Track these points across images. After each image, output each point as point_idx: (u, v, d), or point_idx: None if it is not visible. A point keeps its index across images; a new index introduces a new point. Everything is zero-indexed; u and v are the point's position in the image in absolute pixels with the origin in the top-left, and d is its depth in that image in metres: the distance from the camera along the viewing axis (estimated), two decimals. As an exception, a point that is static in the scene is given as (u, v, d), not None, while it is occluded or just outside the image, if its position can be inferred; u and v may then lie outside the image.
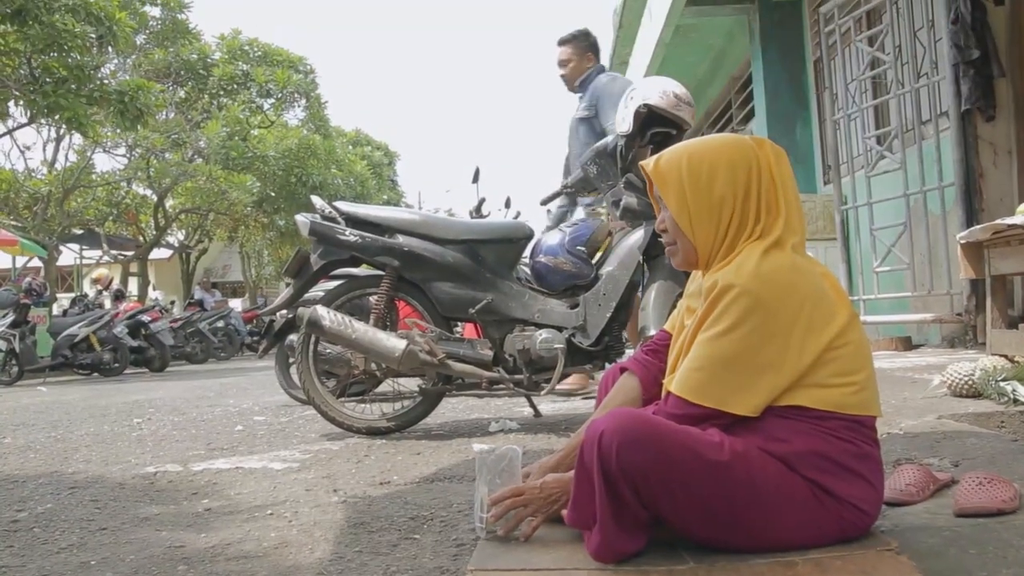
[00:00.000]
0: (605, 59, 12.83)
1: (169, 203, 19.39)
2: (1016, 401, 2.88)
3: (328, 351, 3.30)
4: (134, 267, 20.33)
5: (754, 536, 1.34)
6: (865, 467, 1.38)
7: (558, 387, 3.18)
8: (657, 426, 1.33)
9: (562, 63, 4.53)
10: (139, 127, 11.90)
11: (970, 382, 3.16)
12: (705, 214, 1.45)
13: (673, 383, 1.41)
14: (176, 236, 21.13)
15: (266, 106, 18.33)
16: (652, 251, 3.10)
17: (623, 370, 1.69)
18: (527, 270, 3.40)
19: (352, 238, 3.15)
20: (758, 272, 1.35)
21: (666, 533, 1.40)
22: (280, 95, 18.05)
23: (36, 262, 17.72)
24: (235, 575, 1.48)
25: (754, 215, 1.44)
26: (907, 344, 6.00)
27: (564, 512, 1.48)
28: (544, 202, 3.79)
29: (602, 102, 4.27)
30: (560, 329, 3.12)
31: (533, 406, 3.50)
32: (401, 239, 3.17)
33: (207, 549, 1.67)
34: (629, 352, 3.45)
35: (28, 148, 27.62)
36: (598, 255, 3.29)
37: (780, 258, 1.39)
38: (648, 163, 1.52)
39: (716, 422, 1.37)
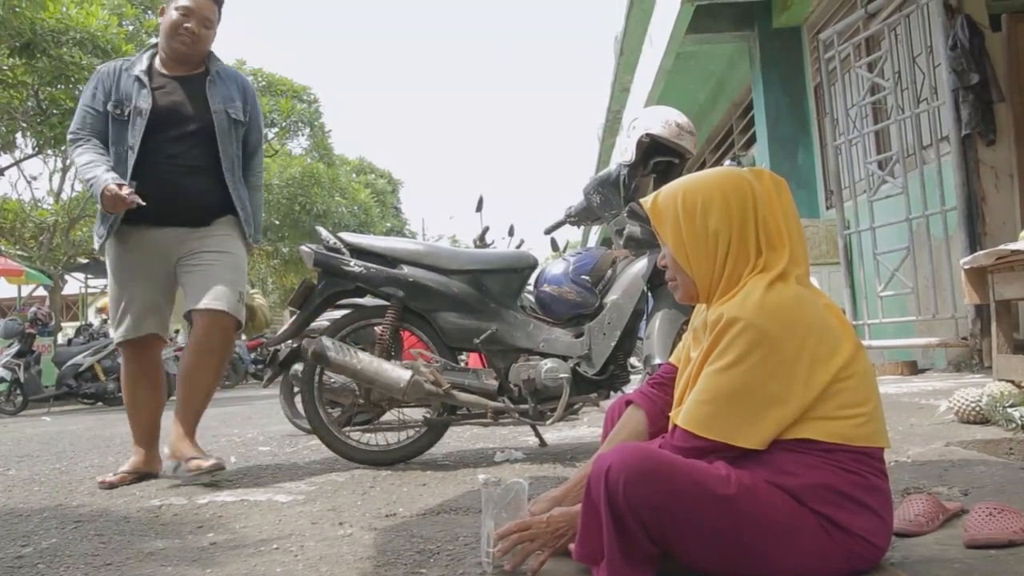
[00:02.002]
0: (606, 86, 12.93)
1: (173, 232, 19.41)
2: (1024, 427, 2.87)
3: (333, 381, 3.30)
4: (138, 296, 20.34)
5: (762, 570, 1.33)
6: (874, 499, 1.37)
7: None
8: (664, 460, 1.32)
9: (206, 23, 3.07)
10: (144, 157, 11.95)
11: (977, 408, 3.15)
12: (701, 248, 1.46)
13: (680, 416, 1.41)
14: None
15: (270, 135, 18.48)
16: (656, 280, 3.11)
17: (629, 403, 1.69)
18: (531, 299, 3.41)
19: (357, 269, 3.16)
20: (763, 305, 1.36)
21: (674, 567, 1.39)
22: (284, 124, 18.21)
23: (41, 291, 17.80)
24: (241, 612, 1.47)
25: (755, 248, 1.44)
26: (913, 368, 5.98)
27: (571, 546, 1.47)
28: (548, 231, 3.80)
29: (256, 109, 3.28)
30: (565, 358, 3.12)
31: (539, 436, 3.49)
32: (406, 269, 3.18)
33: (213, 585, 1.66)
34: (635, 380, 3.45)
35: (35, 178, 27.64)
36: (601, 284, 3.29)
37: (785, 291, 1.39)
38: (646, 201, 1.55)
39: (723, 455, 1.36)
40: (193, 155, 3.04)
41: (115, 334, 3.14)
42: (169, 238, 3.05)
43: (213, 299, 2.99)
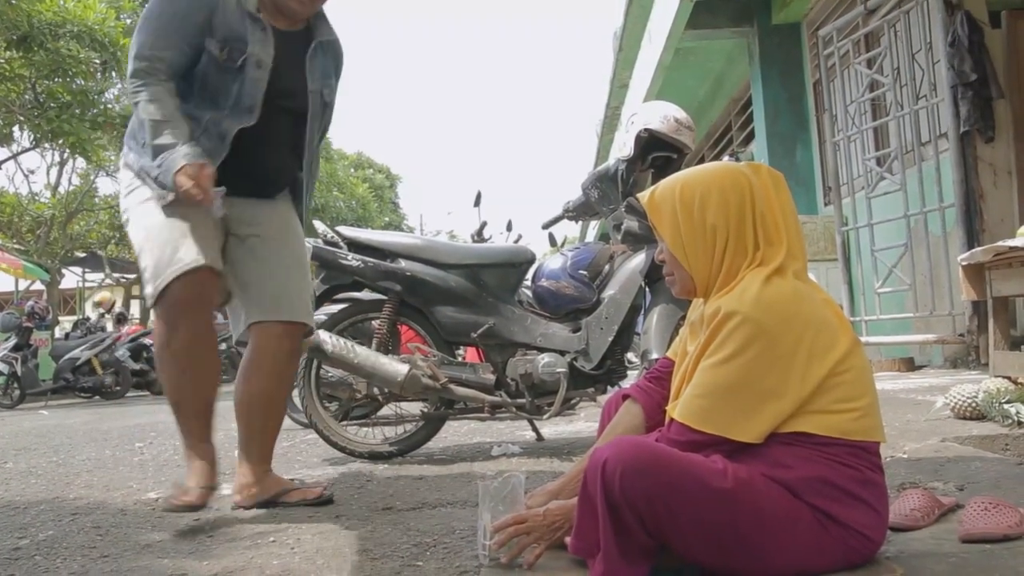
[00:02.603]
0: (605, 82, 12.91)
1: (172, 226, 19.40)
2: (1020, 423, 2.87)
3: (330, 375, 3.30)
4: (136, 290, 20.36)
5: (758, 563, 1.34)
6: (869, 493, 1.37)
7: None
8: (660, 454, 1.32)
9: None
10: (142, 151, 11.93)
11: (974, 404, 3.15)
12: (699, 243, 1.46)
13: (676, 410, 1.41)
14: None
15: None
16: (654, 275, 3.11)
17: (626, 397, 1.69)
18: (529, 294, 3.41)
19: (354, 263, 3.16)
20: (760, 299, 1.36)
21: (671, 560, 1.39)
22: (282, 119, 18.13)
23: (39, 285, 17.79)
24: (237, 604, 1.47)
25: (752, 242, 1.44)
26: (910, 365, 5.98)
27: (567, 539, 1.47)
28: (546, 226, 3.80)
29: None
30: (562, 353, 3.12)
31: (536, 430, 3.49)
32: (403, 264, 3.18)
33: (209, 577, 1.66)
34: (632, 375, 3.45)
35: (32, 172, 27.73)
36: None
37: (782, 285, 1.39)
38: (644, 196, 1.54)
39: (719, 449, 1.36)
40: (276, 128, 2.35)
41: (166, 272, 2.15)
42: (228, 204, 2.26)
43: (295, 309, 2.38)
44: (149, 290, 2.20)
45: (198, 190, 2.07)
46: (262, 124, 2.28)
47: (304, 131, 2.41)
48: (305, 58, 2.34)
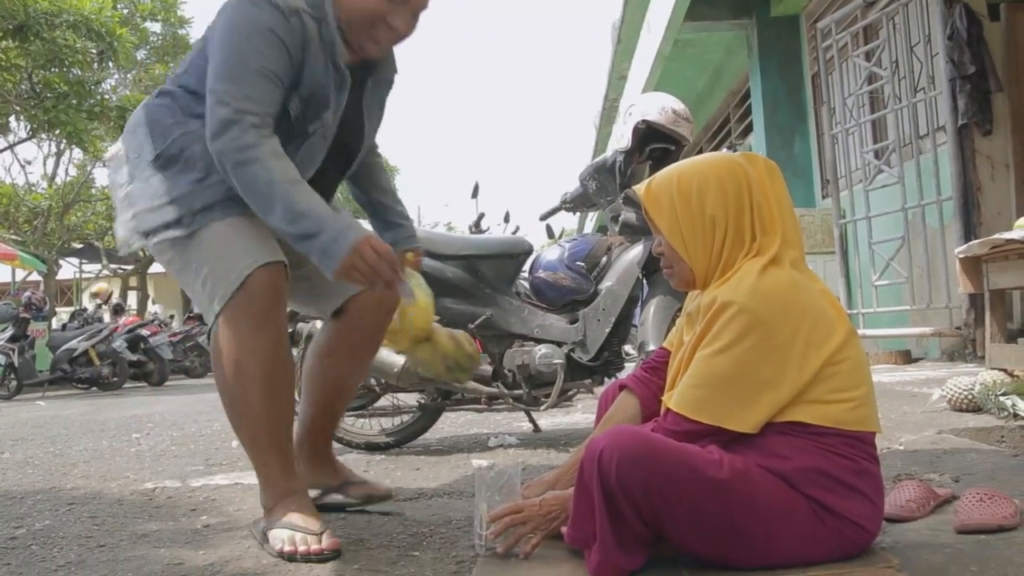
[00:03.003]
0: (603, 73, 12.88)
1: (169, 217, 19.38)
2: (1016, 416, 2.88)
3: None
4: (133, 281, 20.36)
5: (754, 553, 1.34)
6: (865, 483, 1.38)
7: None
8: (657, 444, 1.32)
9: (419, 15, 1.93)
10: (139, 142, 11.89)
11: (970, 396, 3.16)
12: (698, 234, 1.46)
13: (672, 400, 1.41)
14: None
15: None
16: (651, 266, 3.10)
17: (622, 387, 1.69)
18: (526, 285, 3.40)
19: (352, 253, 3.15)
20: (757, 289, 1.36)
21: (667, 550, 1.39)
22: (280, 110, 18.10)
23: (35, 276, 17.74)
24: (234, 593, 1.47)
25: (749, 232, 1.44)
26: (906, 358, 6.00)
27: (564, 529, 1.48)
28: (543, 217, 3.79)
29: None
30: (559, 344, 3.12)
31: (532, 421, 3.49)
32: (401, 254, 3.17)
33: (206, 566, 1.66)
34: (630, 367, 3.45)
35: (29, 163, 27.74)
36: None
37: (779, 275, 1.39)
38: (640, 188, 1.53)
39: (715, 439, 1.37)
40: (325, 170, 1.95)
41: (240, 266, 1.75)
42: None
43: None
44: (219, 292, 1.75)
45: (390, 270, 1.69)
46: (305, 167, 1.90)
47: (339, 172, 2.06)
48: (362, 93, 1.97)
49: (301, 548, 1.67)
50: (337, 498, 2.09)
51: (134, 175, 1.86)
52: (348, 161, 2.05)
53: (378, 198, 2.18)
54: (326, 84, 1.82)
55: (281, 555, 1.68)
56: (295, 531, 1.70)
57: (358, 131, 2.01)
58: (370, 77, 1.97)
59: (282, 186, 1.67)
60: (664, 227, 1.50)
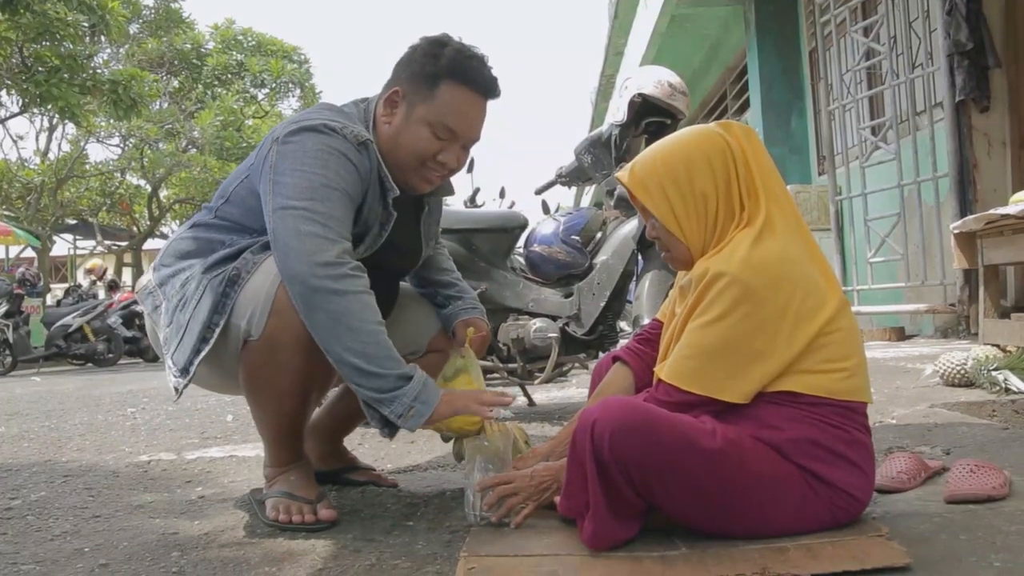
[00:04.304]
0: (600, 48, 12.79)
1: (163, 193, 19.34)
2: (1008, 390, 2.90)
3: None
4: (128, 257, 20.29)
5: (746, 522, 1.35)
6: (856, 453, 1.38)
7: None
8: (650, 413, 1.33)
9: (472, 145, 1.88)
10: (132, 117, 11.85)
11: (962, 371, 3.17)
12: (692, 213, 1.45)
13: (664, 370, 1.41)
14: (170, 226, 21.08)
15: (260, 96, 18.28)
16: (646, 240, 3.10)
17: (615, 359, 1.69)
18: (522, 259, 3.40)
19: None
20: (748, 260, 1.35)
21: (659, 520, 1.40)
22: (274, 85, 18.01)
23: (29, 252, 17.70)
24: (228, 561, 1.48)
25: (738, 202, 1.44)
26: (900, 334, 6.02)
27: (556, 500, 1.49)
28: (539, 191, 3.78)
29: None
30: (554, 318, 3.13)
31: (527, 395, 3.51)
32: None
33: (200, 536, 1.67)
34: (624, 342, 3.46)
35: (21, 138, 27.46)
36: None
37: (771, 246, 1.38)
38: (623, 175, 1.51)
39: (707, 409, 1.37)
40: (378, 288, 1.69)
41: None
42: None
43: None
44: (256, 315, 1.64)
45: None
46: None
47: (395, 283, 2.00)
48: (419, 219, 1.94)
49: (295, 517, 1.68)
50: (341, 478, 2.09)
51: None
52: (407, 271, 2.01)
53: (437, 277, 2.07)
54: (374, 221, 1.76)
55: (276, 523, 1.69)
56: (292, 500, 1.71)
57: (416, 251, 1.96)
58: (428, 201, 1.94)
59: (371, 340, 1.55)
60: (656, 211, 1.48)
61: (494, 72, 1.77)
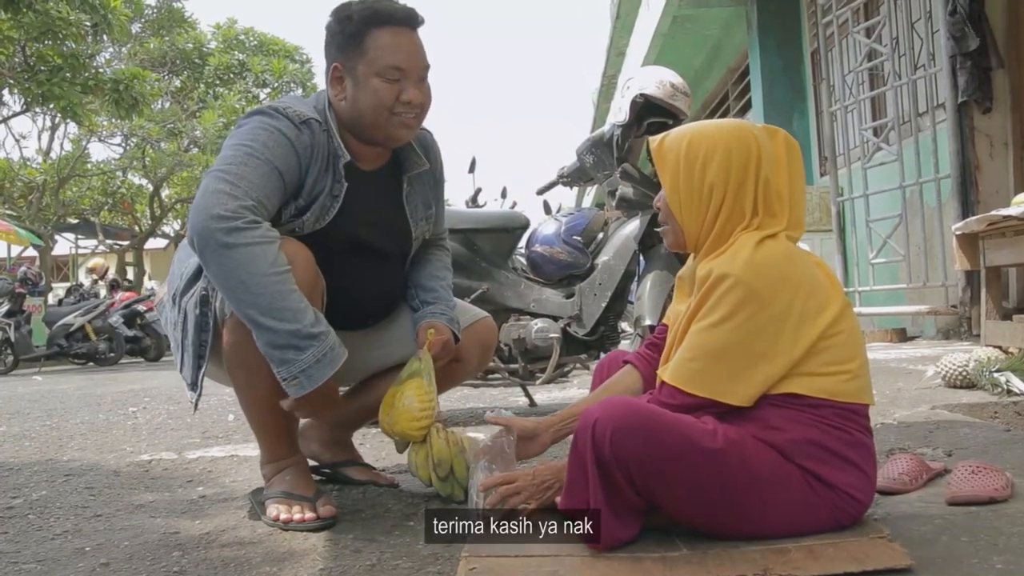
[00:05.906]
0: (602, 50, 12.78)
1: (165, 193, 19.36)
2: (1009, 392, 2.89)
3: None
4: (130, 256, 20.31)
5: (747, 523, 1.35)
6: (858, 455, 1.38)
7: None
8: (651, 414, 1.33)
9: (424, 79, 1.88)
10: (134, 116, 11.86)
11: (964, 373, 3.17)
12: (694, 199, 1.45)
13: (667, 372, 1.41)
14: (172, 226, 21.09)
15: (262, 96, 18.26)
16: (648, 241, 3.10)
17: (625, 362, 1.69)
18: (523, 260, 3.40)
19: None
20: (752, 262, 1.35)
21: (660, 520, 1.40)
22: (276, 85, 18.00)
23: (31, 251, 17.70)
24: (229, 561, 1.48)
25: (751, 207, 1.43)
26: (902, 336, 6.01)
27: (557, 499, 1.48)
28: (540, 191, 3.78)
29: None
30: (556, 319, 3.12)
31: (528, 396, 3.50)
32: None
33: (201, 536, 1.67)
34: (625, 343, 3.46)
35: (23, 137, 27.58)
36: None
37: (775, 247, 1.38)
38: (654, 140, 1.51)
39: (710, 411, 1.37)
40: (373, 274, 1.92)
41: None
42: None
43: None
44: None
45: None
46: (360, 271, 1.89)
47: (399, 269, 2.02)
48: (401, 198, 1.94)
49: (296, 516, 1.69)
50: (341, 472, 2.09)
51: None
52: (404, 257, 2.01)
53: (423, 281, 2.04)
54: (322, 188, 1.76)
55: (276, 523, 1.69)
56: (291, 500, 1.72)
57: (405, 231, 1.95)
58: (404, 175, 1.94)
59: (279, 293, 1.53)
60: (665, 185, 1.49)
61: (405, 3, 1.81)
